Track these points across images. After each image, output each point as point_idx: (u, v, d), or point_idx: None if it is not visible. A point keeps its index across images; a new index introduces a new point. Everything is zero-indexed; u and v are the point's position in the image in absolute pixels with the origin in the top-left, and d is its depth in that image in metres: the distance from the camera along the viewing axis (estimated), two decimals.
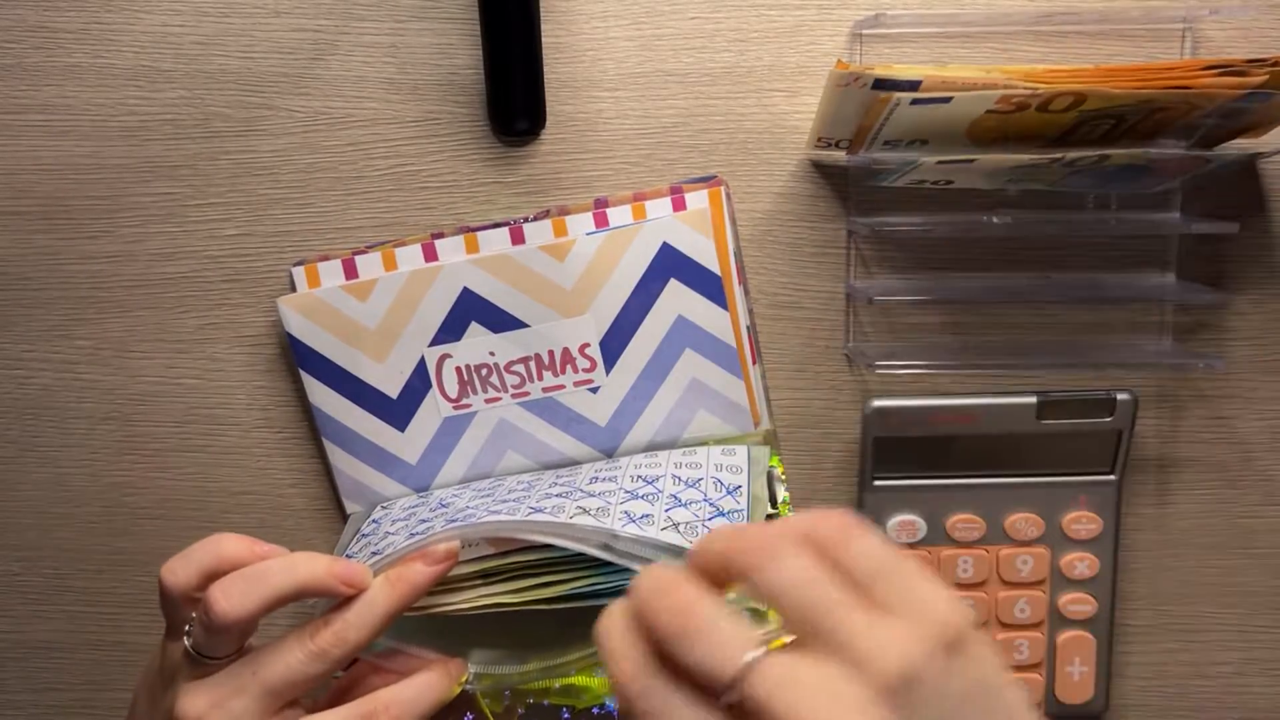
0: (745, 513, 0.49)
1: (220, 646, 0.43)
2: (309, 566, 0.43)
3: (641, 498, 0.48)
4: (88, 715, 0.59)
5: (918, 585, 0.32)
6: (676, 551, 0.45)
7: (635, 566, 0.44)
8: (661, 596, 0.33)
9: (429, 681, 0.45)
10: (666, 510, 0.47)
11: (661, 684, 0.32)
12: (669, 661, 0.32)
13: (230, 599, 0.41)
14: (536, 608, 0.47)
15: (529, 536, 0.46)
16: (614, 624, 0.34)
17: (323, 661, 0.42)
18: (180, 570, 0.44)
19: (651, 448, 0.55)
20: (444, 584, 0.48)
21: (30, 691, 0.59)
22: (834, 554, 0.33)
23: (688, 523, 0.47)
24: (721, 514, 0.48)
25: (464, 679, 0.47)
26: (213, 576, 0.43)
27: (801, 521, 0.34)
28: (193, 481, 0.57)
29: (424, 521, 0.49)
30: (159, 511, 0.58)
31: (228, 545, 0.44)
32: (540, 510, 0.47)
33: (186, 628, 0.43)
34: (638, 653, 0.33)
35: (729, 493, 0.50)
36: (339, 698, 0.46)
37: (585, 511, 0.46)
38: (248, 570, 0.43)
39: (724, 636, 0.32)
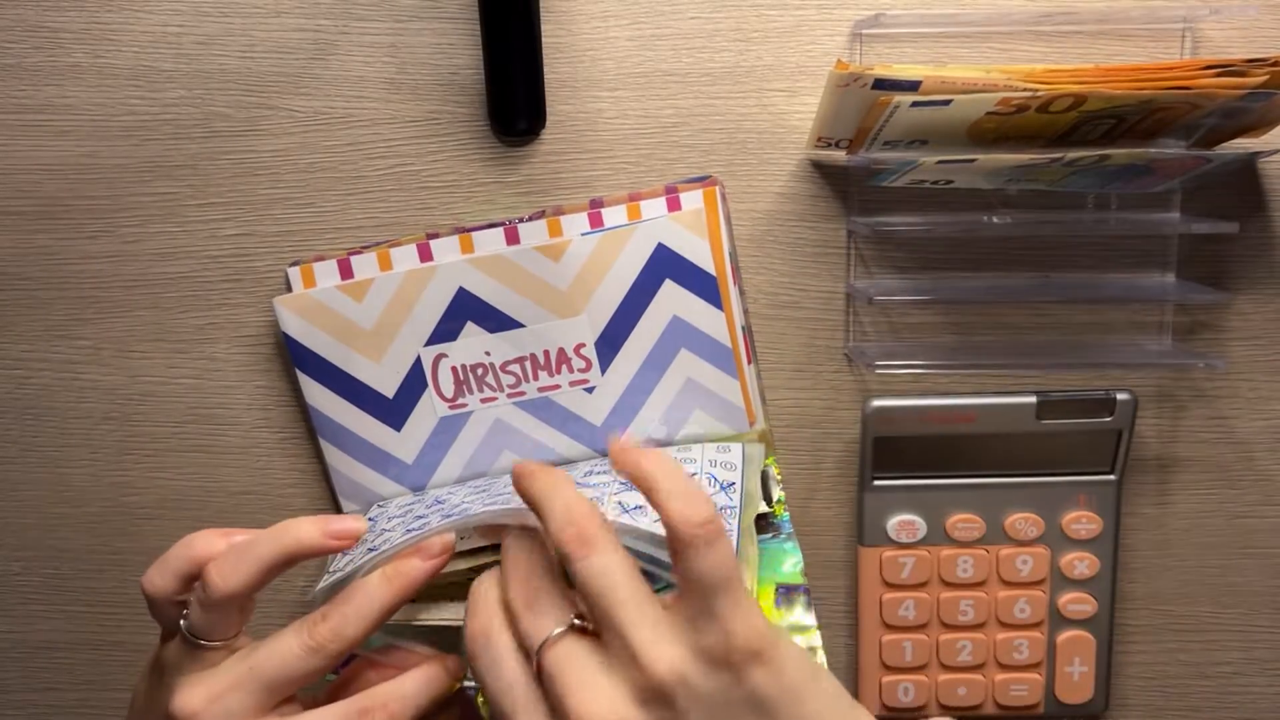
0: (738, 509, 0.49)
1: (217, 626, 0.42)
2: (297, 530, 0.43)
3: (634, 489, 0.48)
4: (88, 715, 0.60)
5: (726, 604, 0.36)
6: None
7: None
8: (514, 567, 0.40)
9: (427, 677, 0.45)
10: None
11: (504, 642, 0.39)
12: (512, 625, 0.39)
13: (223, 573, 0.42)
14: None
15: (523, 520, 0.46)
16: (484, 584, 0.41)
17: (319, 656, 0.42)
18: (158, 578, 0.44)
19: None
20: (442, 589, 0.48)
21: (30, 691, 0.59)
22: (679, 555, 0.37)
23: None
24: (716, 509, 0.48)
25: (462, 677, 0.47)
26: (190, 578, 0.43)
27: (675, 509, 0.37)
28: (193, 481, 0.57)
29: (420, 518, 0.50)
30: (159, 511, 0.58)
31: (198, 545, 0.44)
32: None
33: (183, 612, 0.43)
34: (494, 611, 0.40)
35: (723, 489, 0.50)
36: (336, 694, 0.46)
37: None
38: (239, 544, 0.43)
39: (541, 610, 0.39)
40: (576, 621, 0.38)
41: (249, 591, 0.42)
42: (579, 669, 0.37)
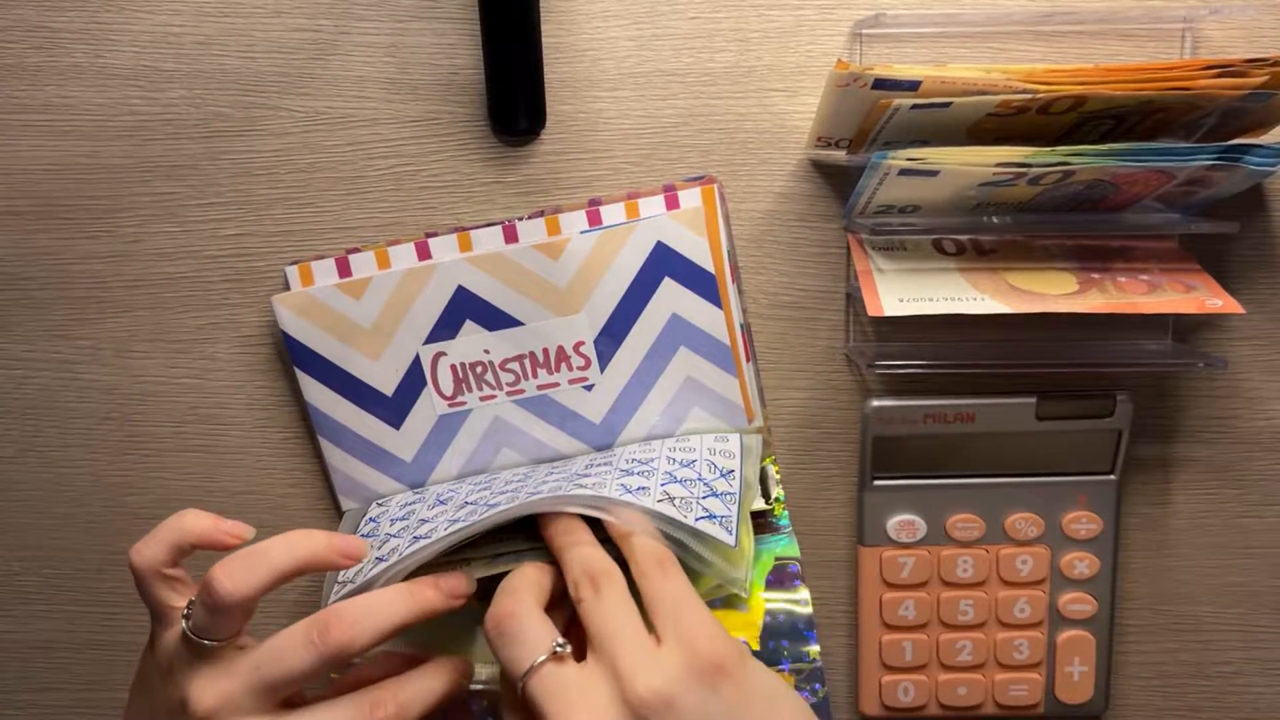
0: (737, 495, 0.49)
1: (221, 627, 0.42)
2: (308, 543, 0.44)
3: (636, 474, 0.49)
4: (87, 715, 0.60)
5: (690, 619, 0.42)
6: (670, 521, 0.45)
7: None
8: (502, 599, 0.43)
9: (436, 674, 0.45)
10: (662, 485, 0.48)
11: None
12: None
13: (233, 578, 0.41)
14: None
15: (527, 513, 0.46)
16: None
17: (326, 663, 0.42)
18: (146, 550, 0.44)
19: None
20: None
21: (30, 691, 0.59)
22: (643, 586, 0.43)
23: (682, 498, 0.47)
24: (715, 494, 0.48)
25: (471, 678, 0.47)
26: (180, 551, 0.44)
27: (638, 549, 0.44)
28: (193, 481, 0.57)
29: (424, 521, 0.49)
30: (159, 511, 0.58)
31: (190, 520, 0.44)
32: (537, 494, 0.48)
33: (185, 610, 0.43)
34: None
35: (723, 475, 0.50)
36: (343, 689, 0.46)
37: (582, 487, 0.47)
38: (248, 550, 0.43)
39: (524, 640, 0.41)
40: (565, 645, 0.42)
41: (256, 597, 0.42)
42: (567, 692, 0.40)
